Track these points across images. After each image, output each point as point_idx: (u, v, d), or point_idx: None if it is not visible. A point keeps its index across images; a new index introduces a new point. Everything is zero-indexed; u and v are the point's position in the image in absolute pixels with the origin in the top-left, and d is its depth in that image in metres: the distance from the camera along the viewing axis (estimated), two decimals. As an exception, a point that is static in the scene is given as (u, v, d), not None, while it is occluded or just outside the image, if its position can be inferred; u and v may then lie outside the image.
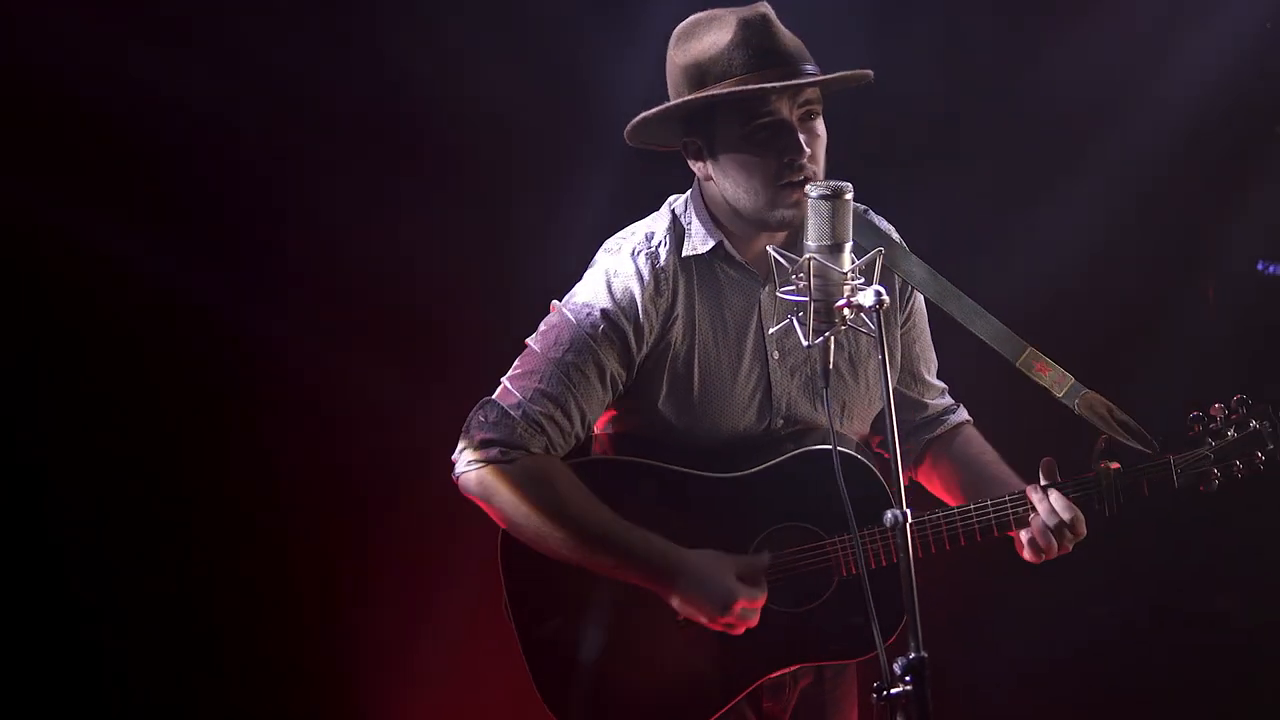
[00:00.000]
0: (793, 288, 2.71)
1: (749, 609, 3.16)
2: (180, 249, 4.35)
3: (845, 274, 2.69)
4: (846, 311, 2.68)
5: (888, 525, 2.59)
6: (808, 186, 2.72)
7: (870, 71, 3.20)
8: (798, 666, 3.31)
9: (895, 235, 3.43)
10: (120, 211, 4.29)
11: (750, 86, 3.08)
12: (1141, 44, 4.70)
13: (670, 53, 3.20)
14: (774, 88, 3.08)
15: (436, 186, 4.54)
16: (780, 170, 3.11)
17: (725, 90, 3.10)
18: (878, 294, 2.65)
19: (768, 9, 3.16)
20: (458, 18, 4.44)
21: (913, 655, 2.55)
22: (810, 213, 2.70)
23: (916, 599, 2.58)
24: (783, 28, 3.16)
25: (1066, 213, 4.73)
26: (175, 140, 4.33)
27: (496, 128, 4.51)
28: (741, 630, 3.18)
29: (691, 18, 3.20)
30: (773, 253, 2.79)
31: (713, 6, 3.21)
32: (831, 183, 2.71)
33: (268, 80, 4.33)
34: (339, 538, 4.56)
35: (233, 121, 4.35)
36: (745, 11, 3.15)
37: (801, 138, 3.10)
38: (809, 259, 2.69)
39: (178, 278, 4.34)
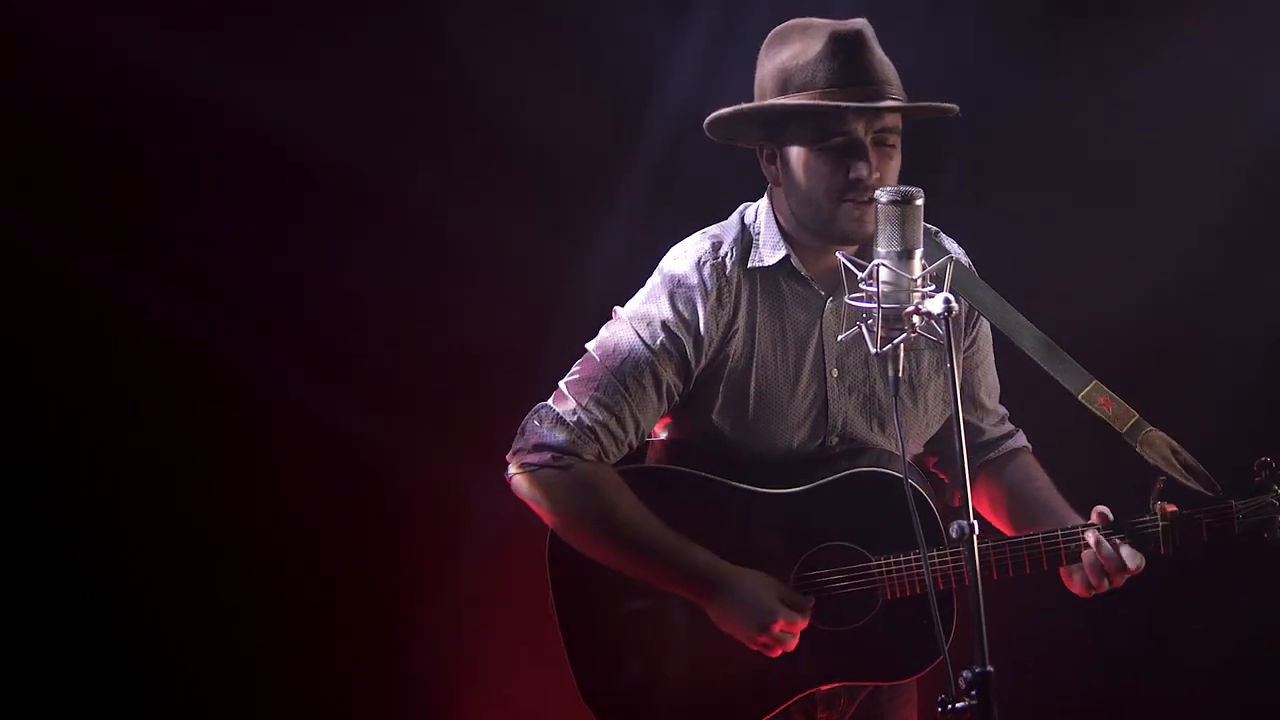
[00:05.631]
0: (861, 295, 2.69)
1: (787, 632, 3.16)
2: (181, 254, 4.36)
3: (915, 280, 2.66)
4: (916, 319, 2.65)
5: (954, 536, 2.57)
6: (878, 192, 2.70)
7: (955, 106, 3.18)
8: (838, 685, 3.28)
9: (965, 259, 3.39)
10: (121, 214, 4.32)
11: (826, 102, 3.07)
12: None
13: (761, 53, 3.20)
14: (851, 107, 3.07)
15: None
16: (845, 185, 3.11)
17: (800, 102, 3.10)
18: (947, 301, 2.62)
19: (865, 27, 3.14)
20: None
21: (978, 669, 2.51)
22: (880, 219, 2.68)
23: (983, 613, 2.53)
24: (877, 49, 3.14)
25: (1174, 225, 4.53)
26: (190, 147, 4.34)
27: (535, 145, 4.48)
28: (778, 653, 3.18)
29: (789, 22, 3.19)
30: (842, 259, 2.77)
31: (814, 15, 3.20)
32: (902, 188, 2.69)
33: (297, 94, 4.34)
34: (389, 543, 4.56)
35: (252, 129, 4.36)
36: (841, 25, 3.13)
37: (872, 158, 3.09)
38: (877, 265, 2.67)
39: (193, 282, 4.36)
